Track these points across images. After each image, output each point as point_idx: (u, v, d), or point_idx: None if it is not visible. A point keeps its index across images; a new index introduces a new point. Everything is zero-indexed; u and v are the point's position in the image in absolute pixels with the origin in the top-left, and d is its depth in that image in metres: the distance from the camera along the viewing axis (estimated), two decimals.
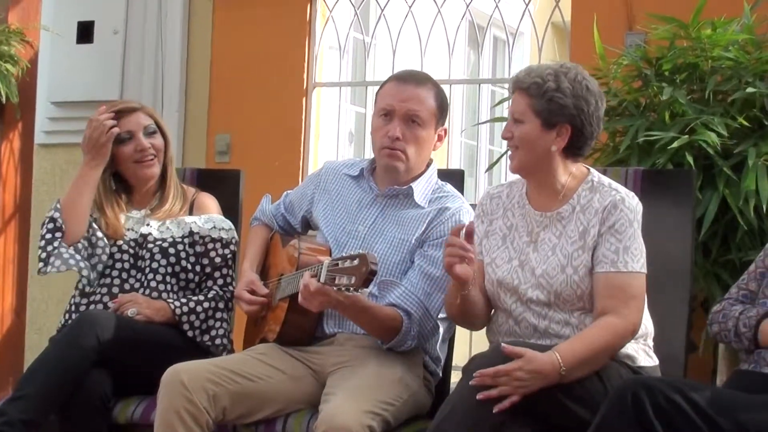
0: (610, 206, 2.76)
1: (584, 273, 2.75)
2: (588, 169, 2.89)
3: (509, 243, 2.88)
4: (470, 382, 2.56)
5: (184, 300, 3.38)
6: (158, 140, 3.53)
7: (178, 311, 3.33)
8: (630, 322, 2.69)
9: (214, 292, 3.44)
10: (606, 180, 2.85)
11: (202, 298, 3.41)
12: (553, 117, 2.76)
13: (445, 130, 3.22)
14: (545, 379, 2.56)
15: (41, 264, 3.32)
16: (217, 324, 3.40)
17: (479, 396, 2.53)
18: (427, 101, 3.12)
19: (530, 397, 2.55)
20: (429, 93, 3.14)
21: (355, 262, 2.69)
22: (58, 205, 3.41)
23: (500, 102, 4.27)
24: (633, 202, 2.78)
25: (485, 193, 3.03)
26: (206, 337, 3.38)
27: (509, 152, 2.85)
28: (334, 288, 2.74)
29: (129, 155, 3.48)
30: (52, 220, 3.37)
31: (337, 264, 2.74)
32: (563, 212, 2.82)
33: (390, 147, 3.12)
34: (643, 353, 2.81)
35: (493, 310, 2.92)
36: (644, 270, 2.76)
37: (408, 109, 3.10)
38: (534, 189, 2.88)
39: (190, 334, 3.35)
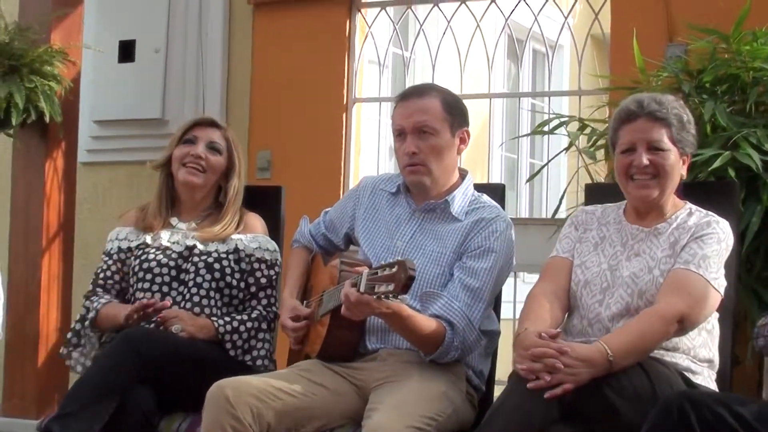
0: (704, 224, 2.87)
1: None
2: (684, 200, 3.00)
3: (600, 251, 2.98)
4: (520, 367, 2.59)
5: (228, 318, 3.38)
6: (217, 158, 3.54)
7: (221, 329, 3.34)
8: (676, 308, 2.72)
9: (258, 312, 3.45)
10: (703, 210, 2.94)
11: (245, 317, 3.41)
12: (686, 147, 2.91)
13: (467, 132, 3.21)
14: (594, 366, 2.59)
15: (64, 346, 3.46)
16: (260, 344, 3.41)
17: (530, 385, 2.55)
18: (432, 109, 3.13)
19: (579, 391, 2.55)
20: (433, 100, 3.14)
21: (394, 269, 2.70)
22: (98, 306, 3.41)
23: (552, 124, 4.24)
24: (727, 229, 2.88)
25: (580, 209, 3.15)
26: (248, 357, 3.39)
27: (638, 180, 2.90)
28: (374, 296, 2.75)
29: (180, 156, 3.52)
30: (87, 310, 3.43)
31: (376, 273, 2.75)
32: (661, 229, 2.92)
33: (410, 164, 3.14)
34: (706, 373, 2.84)
35: (568, 313, 2.98)
36: (717, 286, 2.80)
37: (415, 122, 3.12)
38: (643, 211, 2.96)
39: (232, 353, 3.35)
